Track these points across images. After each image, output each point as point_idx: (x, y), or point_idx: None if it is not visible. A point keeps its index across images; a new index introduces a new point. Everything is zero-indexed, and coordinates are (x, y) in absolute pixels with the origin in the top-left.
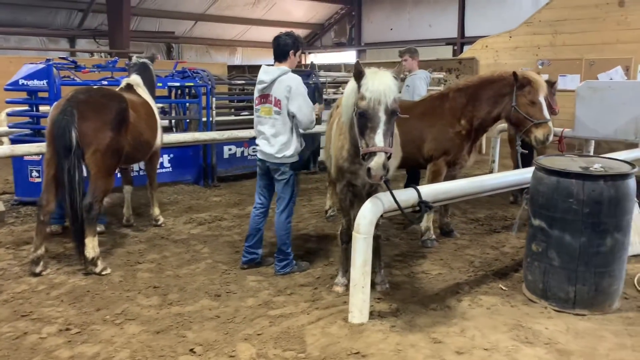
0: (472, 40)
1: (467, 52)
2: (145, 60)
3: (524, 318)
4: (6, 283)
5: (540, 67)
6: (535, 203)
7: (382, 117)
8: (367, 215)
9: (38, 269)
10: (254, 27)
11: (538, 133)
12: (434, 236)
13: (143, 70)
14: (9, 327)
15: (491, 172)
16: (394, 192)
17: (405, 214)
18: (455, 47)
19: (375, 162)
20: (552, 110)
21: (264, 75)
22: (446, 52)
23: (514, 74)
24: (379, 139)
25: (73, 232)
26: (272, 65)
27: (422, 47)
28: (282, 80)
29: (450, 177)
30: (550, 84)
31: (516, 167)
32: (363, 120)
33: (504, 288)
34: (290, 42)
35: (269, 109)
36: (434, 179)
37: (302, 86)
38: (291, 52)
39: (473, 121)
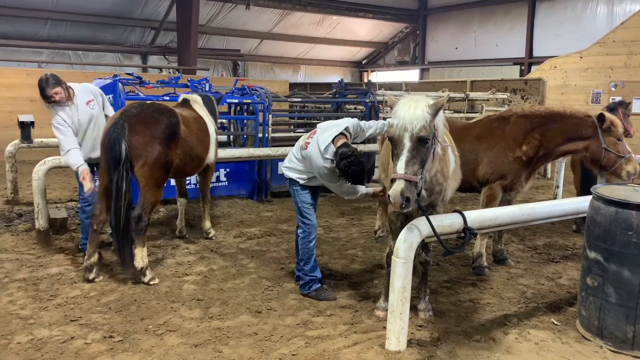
0: (540, 60)
1: (534, 72)
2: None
3: (575, 356)
4: (62, 287)
5: (613, 89)
6: (592, 234)
7: (407, 144)
8: (407, 239)
9: (91, 276)
10: (318, 45)
11: (629, 167)
12: (485, 263)
13: (207, 99)
14: (59, 331)
15: (555, 197)
16: (439, 216)
17: (441, 241)
18: (523, 67)
19: (393, 190)
20: (626, 133)
21: (324, 125)
22: (513, 72)
23: (601, 115)
24: (400, 166)
25: (116, 241)
26: (336, 128)
27: (488, 67)
28: (313, 145)
29: (505, 202)
30: (625, 105)
31: (580, 193)
32: (392, 146)
33: (556, 322)
34: (338, 159)
35: (308, 140)
36: (489, 203)
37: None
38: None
39: (539, 150)
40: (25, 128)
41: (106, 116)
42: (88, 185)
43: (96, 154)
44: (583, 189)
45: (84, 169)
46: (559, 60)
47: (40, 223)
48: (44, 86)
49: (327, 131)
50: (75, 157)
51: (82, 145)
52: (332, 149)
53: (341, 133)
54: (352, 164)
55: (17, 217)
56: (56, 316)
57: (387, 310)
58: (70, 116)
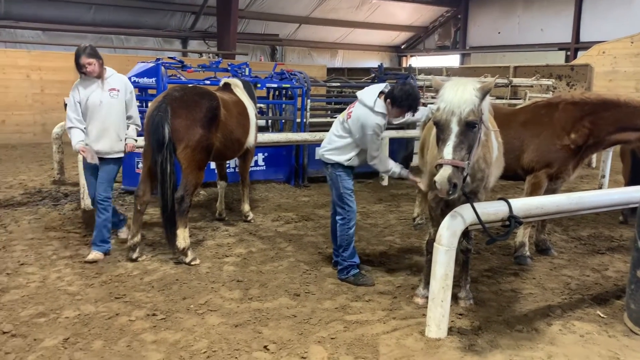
0: (587, 45)
1: (581, 58)
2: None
3: (622, 351)
4: (106, 266)
5: None
6: None
7: (455, 128)
8: (450, 226)
9: (134, 255)
10: (356, 30)
11: None
12: (528, 253)
13: (246, 84)
14: (104, 307)
15: (600, 187)
16: (483, 203)
17: (486, 229)
18: (569, 53)
19: (440, 175)
20: None
21: (363, 90)
22: (558, 57)
23: None
24: (447, 151)
25: (164, 222)
26: (377, 88)
27: (533, 53)
28: (359, 109)
29: (550, 191)
30: None
31: (628, 183)
32: (437, 131)
33: (602, 315)
34: (393, 93)
35: (350, 111)
36: (533, 192)
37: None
38: (388, 100)
39: (588, 139)
40: None
41: (129, 117)
42: (90, 157)
43: (100, 146)
44: (633, 179)
45: (79, 147)
46: (608, 45)
47: (86, 203)
48: (80, 54)
49: (369, 92)
50: (75, 136)
51: (87, 131)
52: (380, 102)
53: (381, 92)
54: (411, 87)
55: (64, 197)
56: (102, 293)
57: (426, 297)
58: (86, 93)
